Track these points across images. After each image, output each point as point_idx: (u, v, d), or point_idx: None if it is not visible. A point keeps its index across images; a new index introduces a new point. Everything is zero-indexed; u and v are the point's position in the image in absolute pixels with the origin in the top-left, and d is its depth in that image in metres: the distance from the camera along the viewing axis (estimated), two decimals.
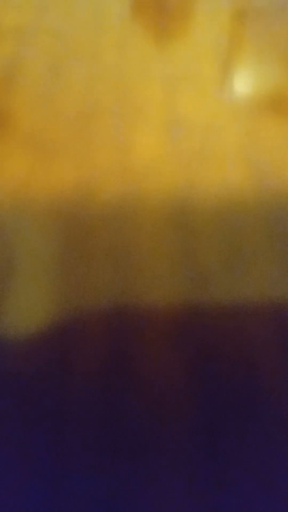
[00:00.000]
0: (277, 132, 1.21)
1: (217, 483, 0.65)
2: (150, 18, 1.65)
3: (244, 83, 1.38)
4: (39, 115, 1.25)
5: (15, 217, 1.00)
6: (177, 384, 0.75)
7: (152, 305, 0.86)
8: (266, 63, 1.46)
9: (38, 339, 0.81)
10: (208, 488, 0.65)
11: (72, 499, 0.65)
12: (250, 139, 1.19)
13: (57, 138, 1.18)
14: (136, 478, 0.66)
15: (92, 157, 1.13)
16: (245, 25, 1.62)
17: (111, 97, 1.31)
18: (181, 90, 1.34)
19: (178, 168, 1.11)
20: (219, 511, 0.63)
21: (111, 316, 0.84)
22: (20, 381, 0.76)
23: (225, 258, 0.94)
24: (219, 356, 0.79)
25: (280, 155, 1.15)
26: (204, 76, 1.40)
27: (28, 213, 1.01)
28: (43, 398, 0.74)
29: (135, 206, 1.02)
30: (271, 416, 0.72)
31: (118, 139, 1.18)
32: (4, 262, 0.92)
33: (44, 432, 0.70)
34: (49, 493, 0.65)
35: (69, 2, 1.73)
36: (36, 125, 1.22)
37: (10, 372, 0.77)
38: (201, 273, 0.91)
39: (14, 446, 0.69)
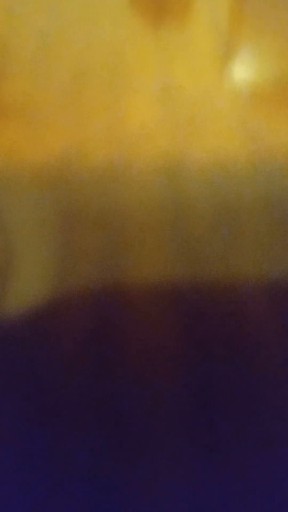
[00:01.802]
0: (275, 102, 1.20)
1: (217, 483, 0.66)
2: None
3: (243, 58, 1.36)
4: (30, 84, 1.23)
5: (4, 186, 0.99)
6: (169, 359, 0.75)
7: (145, 276, 0.85)
8: (265, 40, 1.44)
9: (30, 312, 0.80)
10: (208, 488, 0.65)
11: (72, 499, 0.65)
12: (247, 108, 1.18)
13: (48, 105, 1.17)
14: (136, 478, 0.66)
15: (82, 124, 1.12)
16: (245, 3, 1.60)
17: (104, 67, 1.30)
18: (177, 61, 1.33)
19: (171, 135, 1.10)
20: (219, 511, 0.63)
21: (101, 289, 0.83)
22: (15, 373, 0.75)
23: (219, 228, 0.93)
24: (212, 331, 0.79)
25: (277, 124, 1.14)
26: (200, 47, 1.38)
27: (18, 180, 1.00)
28: (37, 389, 0.73)
29: (126, 174, 1.02)
30: (269, 409, 0.72)
31: (110, 107, 1.16)
32: None
33: (42, 430, 0.70)
34: (48, 493, 0.65)
35: None
36: (27, 93, 1.20)
37: (4, 365, 0.76)
38: (194, 243, 0.90)
39: (13, 446, 0.69)
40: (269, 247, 0.90)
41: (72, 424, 0.70)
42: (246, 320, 0.80)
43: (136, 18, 1.50)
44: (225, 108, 1.18)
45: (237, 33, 1.46)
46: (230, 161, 1.05)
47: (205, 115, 1.15)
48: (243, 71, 1.30)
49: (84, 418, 0.70)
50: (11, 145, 1.07)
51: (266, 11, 1.55)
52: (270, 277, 0.85)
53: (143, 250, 0.89)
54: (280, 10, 1.55)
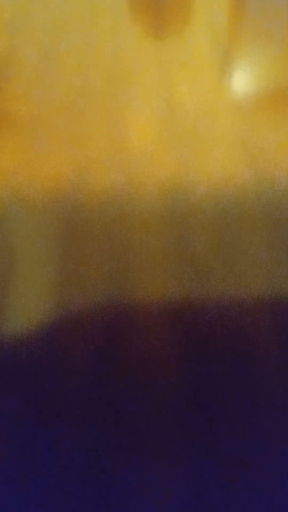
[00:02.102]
0: (273, 118, 1.21)
1: (217, 483, 0.65)
2: (147, 7, 1.64)
3: (241, 70, 1.37)
4: (33, 102, 1.24)
5: (10, 206, 1.00)
6: (173, 376, 0.75)
7: (148, 295, 0.85)
8: (264, 52, 1.45)
9: (35, 330, 0.80)
10: (208, 487, 0.65)
11: (72, 499, 0.64)
12: (246, 125, 1.18)
13: (52, 125, 1.17)
14: (136, 478, 0.66)
15: (86, 144, 1.12)
16: (244, 14, 1.61)
17: (106, 84, 1.30)
18: (177, 76, 1.33)
19: (173, 154, 1.10)
20: (218, 511, 0.63)
21: (107, 306, 0.83)
22: (19, 377, 0.75)
23: (221, 246, 0.93)
24: (214, 348, 0.79)
25: (276, 141, 1.15)
26: (201, 61, 1.39)
27: (22, 201, 1.00)
28: (42, 394, 0.73)
29: (129, 194, 1.02)
30: (269, 409, 0.72)
31: (113, 126, 1.17)
32: (1, 252, 0.92)
33: (43, 431, 0.70)
34: (48, 493, 0.65)
35: None
36: (30, 112, 1.21)
37: (9, 369, 0.76)
38: (197, 261, 0.90)
39: (14, 446, 0.69)
40: (271, 267, 0.91)
41: (73, 424, 0.70)
42: (247, 336, 0.80)
43: (136, 32, 1.51)
44: (225, 124, 1.19)
45: (236, 44, 1.47)
46: (232, 180, 1.05)
47: (206, 133, 1.16)
48: (243, 84, 1.31)
49: (85, 418, 0.70)
50: (16, 166, 1.07)
51: (266, 22, 1.56)
52: (272, 296, 0.86)
53: (147, 268, 0.90)
54: (280, 21, 1.56)
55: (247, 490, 0.64)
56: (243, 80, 1.34)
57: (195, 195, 1.02)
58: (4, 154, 1.10)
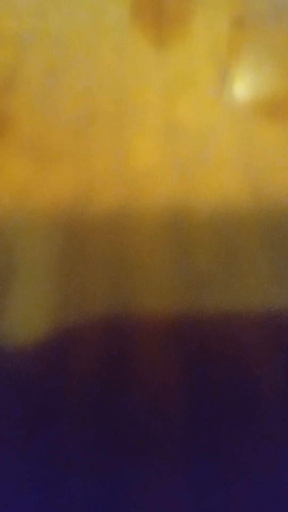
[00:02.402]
0: (275, 138, 1.22)
1: (217, 483, 0.65)
2: (148, 24, 1.66)
3: (242, 89, 1.38)
4: (38, 120, 1.25)
5: (14, 222, 1.00)
6: (174, 386, 0.75)
7: (149, 310, 0.86)
8: (264, 69, 1.46)
9: (37, 343, 0.81)
10: (208, 487, 0.65)
11: (71, 500, 0.64)
12: (248, 145, 1.19)
13: (56, 143, 1.18)
14: (136, 480, 0.66)
15: (90, 162, 1.13)
16: (243, 31, 1.63)
17: (110, 102, 1.32)
18: (179, 95, 1.35)
19: (176, 174, 1.11)
20: (218, 511, 0.63)
21: (108, 320, 0.84)
22: (19, 385, 0.76)
23: (222, 264, 0.94)
24: (216, 359, 0.79)
25: (278, 162, 1.15)
26: (202, 81, 1.40)
27: (27, 219, 1.01)
28: (42, 400, 0.73)
29: (132, 212, 1.03)
30: (268, 416, 0.72)
31: (116, 144, 1.18)
32: (4, 266, 0.92)
33: (43, 434, 0.70)
34: (48, 493, 0.65)
35: (68, 7, 1.74)
36: (35, 130, 1.22)
37: (9, 376, 0.77)
38: (198, 279, 0.91)
39: (13, 448, 0.69)
40: (271, 283, 0.91)
41: (73, 425, 0.70)
42: (247, 352, 0.81)
43: (139, 49, 1.53)
44: (227, 143, 1.20)
45: (237, 61, 1.49)
46: (234, 199, 1.06)
47: (208, 152, 1.17)
48: (244, 101, 1.32)
49: (85, 418, 0.71)
50: (21, 185, 1.08)
51: (264, 39, 1.58)
52: (272, 314, 0.86)
53: (148, 284, 0.91)
54: (281, 34, 1.58)
55: (248, 490, 0.64)
56: (244, 98, 1.35)
57: (196, 213, 1.03)
58: (8, 167, 1.12)
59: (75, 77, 1.41)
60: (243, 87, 1.38)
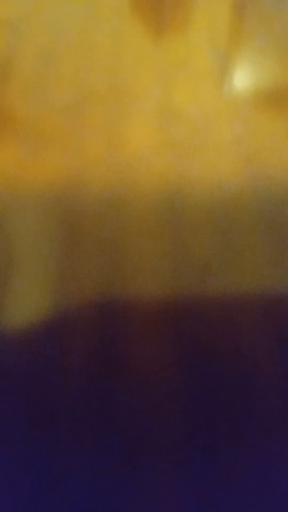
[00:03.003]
0: (271, 124, 1.21)
1: (216, 483, 0.65)
2: (147, 9, 1.64)
3: (241, 75, 1.37)
4: (32, 105, 1.24)
5: (7, 206, 1.00)
6: (168, 374, 0.75)
7: (144, 297, 0.85)
8: (263, 56, 1.45)
9: (33, 332, 0.80)
10: (208, 487, 0.65)
11: (71, 499, 0.64)
12: (245, 130, 1.18)
13: (50, 129, 1.17)
14: (135, 478, 0.66)
15: (84, 147, 1.12)
16: (243, 18, 1.61)
17: (105, 87, 1.30)
18: (177, 81, 1.33)
19: (171, 158, 1.10)
20: (218, 511, 0.63)
21: (104, 307, 0.83)
22: (17, 375, 0.75)
23: (217, 249, 0.93)
24: (211, 347, 0.79)
25: (274, 147, 1.15)
26: (199, 67, 1.39)
27: (21, 203, 1.00)
28: (40, 394, 0.73)
29: (127, 197, 1.02)
30: (265, 409, 0.72)
31: (111, 128, 1.17)
32: (1, 250, 0.92)
33: (42, 431, 0.70)
34: (48, 493, 0.65)
35: None
36: (29, 115, 1.21)
37: (7, 369, 0.76)
38: (193, 264, 0.90)
39: (12, 446, 0.69)
40: (268, 266, 0.91)
41: (73, 425, 0.70)
42: (244, 335, 0.80)
43: (137, 36, 1.51)
44: (223, 129, 1.19)
45: (235, 50, 1.47)
46: (228, 184, 1.05)
47: (203, 138, 1.16)
48: (241, 89, 1.31)
49: (85, 418, 0.70)
50: (15, 167, 1.07)
51: (264, 26, 1.56)
52: (268, 296, 0.86)
53: (144, 270, 0.90)
54: (279, 26, 1.56)
55: (248, 490, 0.64)
56: (241, 86, 1.34)
57: (191, 197, 1.02)
58: (4, 154, 1.11)
59: (71, 63, 1.39)
60: (241, 74, 1.37)
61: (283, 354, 0.78)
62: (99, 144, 1.14)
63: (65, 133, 1.17)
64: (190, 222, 0.98)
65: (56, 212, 0.99)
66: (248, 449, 0.68)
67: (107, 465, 0.67)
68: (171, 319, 0.83)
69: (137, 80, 1.33)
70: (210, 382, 0.75)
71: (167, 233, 0.96)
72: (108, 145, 1.13)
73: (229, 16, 1.62)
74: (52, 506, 0.64)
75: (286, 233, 0.97)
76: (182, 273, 0.89)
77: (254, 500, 0.64)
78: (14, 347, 0.79)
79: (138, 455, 0.68)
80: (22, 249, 0.92)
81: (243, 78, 1.35)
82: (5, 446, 0.69)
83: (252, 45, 1.48)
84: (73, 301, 0.85)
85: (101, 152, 1.12)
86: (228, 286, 0.88)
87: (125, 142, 1.15)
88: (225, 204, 1.02)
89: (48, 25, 1.55)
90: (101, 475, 0.66)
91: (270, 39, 1.51)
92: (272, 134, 1.18)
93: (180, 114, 1.23)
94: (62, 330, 0.81)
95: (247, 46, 1.49)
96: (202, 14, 1.63)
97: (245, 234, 0.97)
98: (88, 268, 0.90)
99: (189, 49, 1.45)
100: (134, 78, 1.33)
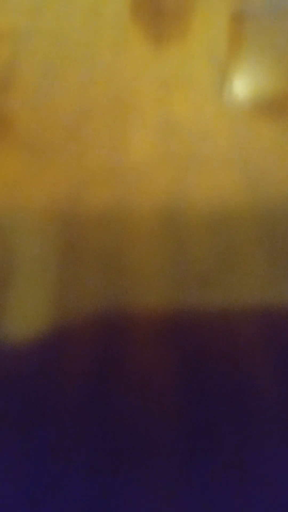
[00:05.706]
0: (272, 136, 1.22)
1: (216, 483, 0.65)
2: (147, 21, 1.66)
3: (239, 87, 1.38)
4: (33, 117, 1.25)
5: (9, 218, 1.00)
6: (169, 383, 0.75)
7: (144, 307, 0.86)
8: (262, 67, 1.46)
9: (34, 340, 0.81)
10: (208, 487, 0.65)
11: (71, 499, 0.64)
12: (244, 143, 1.19)
13: (52, 140, 1.18)
14: (135, 478, 0.66)
15: (85, 159, 1.13)
16: (242, 29, 1.63)
17: (106, 99, 1.31)
18: (176, 93, 1.34)
19: (171, 171, 1.11)
20: (218, 511, 0.63)
21: (104, 318, 0.84)
22: (18, 382, 0.75)
23: (218, 261, 0.94)
24: (210, 356, 0.79)
25: (275, 159, 1.15)
26: (199, 79, 1.40)
27: (22, 215, 1.01)
28: (41, 398, 0.73)
29: (128, 209, 1.03)
30: (264, 415, 0.72)
31: (112, 141, 1.18)
32: (2, 261, 0.92)
33: (43, 432, 0.70)
34: (48, 493, 0.65)
35: (65, 4, 1.73)
36: (31, 127, 1.22)
37: (8, 373, 0.77)
38: (194, 276, 0.91)
39: (13, 446, 0.69)
40: (268, 279, 0.91)
41: (73, 425, 0.70)
42: (244, 350, 0.81)
43: (137, 48, 1.52)
44: (223, 142, 1.19)
45: (234, 62, 1.48)
46: (231, 196, 1.06)
47: (204, 149, 1.17)
48: (241, 102, 1.32)
49: (85, 418, 0.70)
50: (16, 178, 1.08)
51: (264, 38, 1.58)
52: (268, 307, 0.86)
53: (144, 281, 0.90)
54: (278, 37, 1.58)
55: (248, 490, 0.64)
56: (242, 95, 1.35)
57: (192, 210, 1.03)
58: (4, 164, 1.12)
59: (72, 75, 1.40)
60: (241, 84, 1.38)
61: (282, 359, 0.78)
62: (100, 157, 1.15)
63: (65, 145, 1.18)
64: (190, 235, 0.99)
65: (56, 224, 1.00)
66: (248, 449, 0.68)
67: (107, 465, 0.67)
68: (171, 329, 0.83)
69: (137, 92, 1.34)
70: (208, 382, 0.75)
71: (167, 245, 0.97)
72: (109, 157, 1.14)
73: (229, 28, 1.63)
74: (52, 506, 0.64)
75: (286, 246, 0.98)
76: (182, 284, 0.90)
77: (254, 500, 0.64)
78: (15, 353, 0.79)
79: (138, 456, 0.68)
80: (23, 261, 0.93)
81: (243, 89, 1.36)
82: (5, 446, 0.69)
83: (252, 56, 1.49)
84: (73, 312, 0.86)
85: (102, 164, 1.13)
86: (228, 297, 0.88)
87: (126, 154, 1.15)
88: (226, 217, 1.02)
89: (48, 37, 1.56)
90: (101, 475, 0.66)
91: (270, 51, 1.52)
92: (273, 146, 1.19)
93: (180, 126, 1.23)
94: (62, 341, 0.81)
95: (247, 57, 1.50)
96: (201, 24, 1.65)
97: (245, 247, 0.97)
98: (89, 279, 0.90)
99: (189, 61, 1.47)
100: (134, 90, 1.35)
